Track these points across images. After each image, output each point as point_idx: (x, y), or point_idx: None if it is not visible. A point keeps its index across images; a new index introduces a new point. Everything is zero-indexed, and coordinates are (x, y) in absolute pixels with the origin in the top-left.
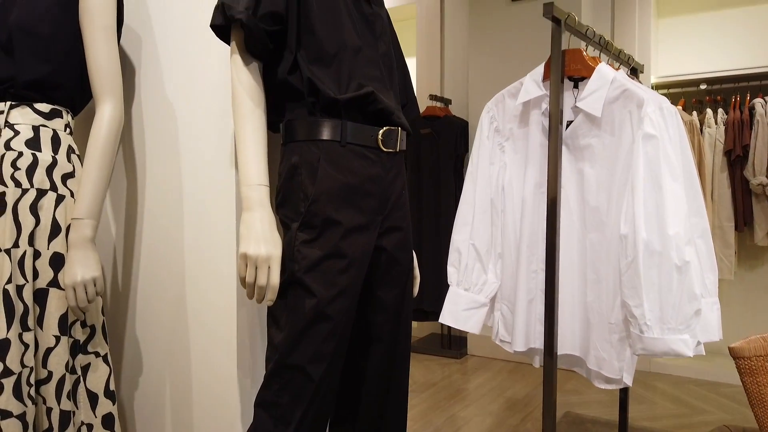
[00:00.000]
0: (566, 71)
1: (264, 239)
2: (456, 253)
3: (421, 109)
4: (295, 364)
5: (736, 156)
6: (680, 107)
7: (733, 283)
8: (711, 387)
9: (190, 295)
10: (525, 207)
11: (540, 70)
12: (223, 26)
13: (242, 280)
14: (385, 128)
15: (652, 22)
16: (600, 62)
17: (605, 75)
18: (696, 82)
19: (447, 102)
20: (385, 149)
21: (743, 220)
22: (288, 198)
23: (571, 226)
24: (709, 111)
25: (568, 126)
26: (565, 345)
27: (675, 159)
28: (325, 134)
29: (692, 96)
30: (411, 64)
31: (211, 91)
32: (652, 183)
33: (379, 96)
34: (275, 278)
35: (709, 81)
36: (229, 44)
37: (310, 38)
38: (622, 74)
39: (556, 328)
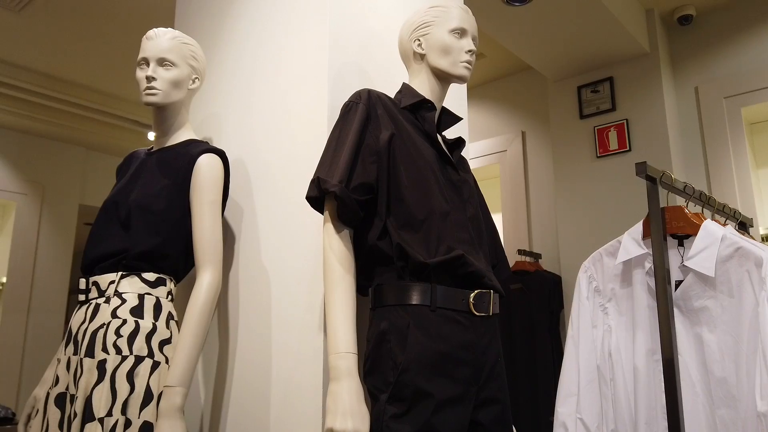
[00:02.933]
0: (668, 229)
1: (351, 413)
2: (562, 429)
3: (510, 264)
4: None
5: None
6: None
7: None
8: None
9: None
10: (638, 377)
11: (639, 228)
12: (317, 197)
13: None
14: (476, 291)
15: (751, 173)
16: (705, 219)
17: (713, 232)
18: None
19: (537, 256)
20: (477, 313)
21: None
22: (377, 366)
23: (696, 399)
24: None
25: (677, 287)
26: None
27: None
28: (415, 299)
29: None
30: (497, 219)
31: (303, 257)
32: None
33: (469, 258)
34: None
35: None
36: (322, 213)
37: (399, 205)
38: (731, 230)
39: None
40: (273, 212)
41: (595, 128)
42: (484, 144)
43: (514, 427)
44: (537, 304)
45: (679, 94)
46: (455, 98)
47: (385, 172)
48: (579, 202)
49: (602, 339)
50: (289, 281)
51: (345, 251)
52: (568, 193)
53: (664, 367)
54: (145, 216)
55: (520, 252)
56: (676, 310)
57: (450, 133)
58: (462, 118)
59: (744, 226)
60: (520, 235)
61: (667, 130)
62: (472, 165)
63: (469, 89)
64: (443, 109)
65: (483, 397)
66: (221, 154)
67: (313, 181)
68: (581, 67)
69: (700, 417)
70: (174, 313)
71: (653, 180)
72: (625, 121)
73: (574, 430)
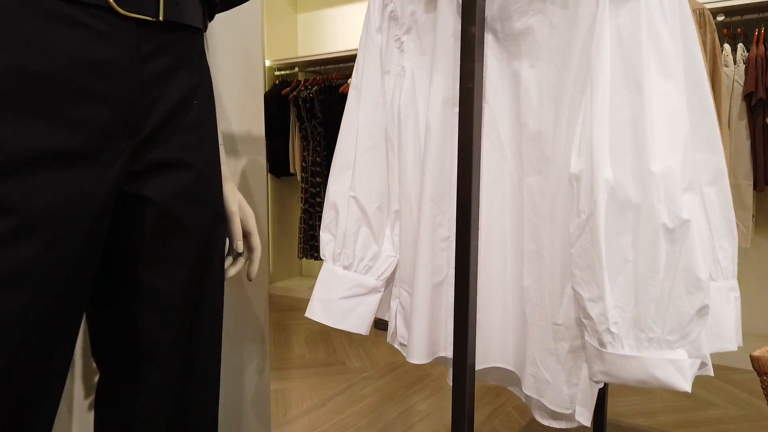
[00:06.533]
0: None
1: None
2: (332, 212)
3: None
4: None
5: (758, 100)
6: None
7: (748, 251)
8: (720, 373)
9: None
10: (429, 137)
11: None
12: None
13: None
14: None
15: None
16: None
17: None
18: (712, 13)
19: None
20: (124, 12)
21: (764, 177)
22: None
23: (502, 165)
24: (726, 47)
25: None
26: (490, 356)
27: (669, 42)
28: None
29: None
30: None
31: None
32: (626, 80)
33: None
34: None
35: (727, 11)
36: None
37: None
38: None
39: (472, 331)
40: None
41: None
42: None
43: (247, 210)
44: None
45: None
46: None
47: None
48: None
49: (394, 88)
50: None
51: None
52: None
53: (459, 122)
54: None
55: None
56: (489, 38)
57: None
58: None
59: None
60: None
61: None
62: None
63: None
64: None
65: (152, 159)
66: None
67: None
68: None
69: (506, 189)
70: None
71: None
72: None
73: (346, 214)
